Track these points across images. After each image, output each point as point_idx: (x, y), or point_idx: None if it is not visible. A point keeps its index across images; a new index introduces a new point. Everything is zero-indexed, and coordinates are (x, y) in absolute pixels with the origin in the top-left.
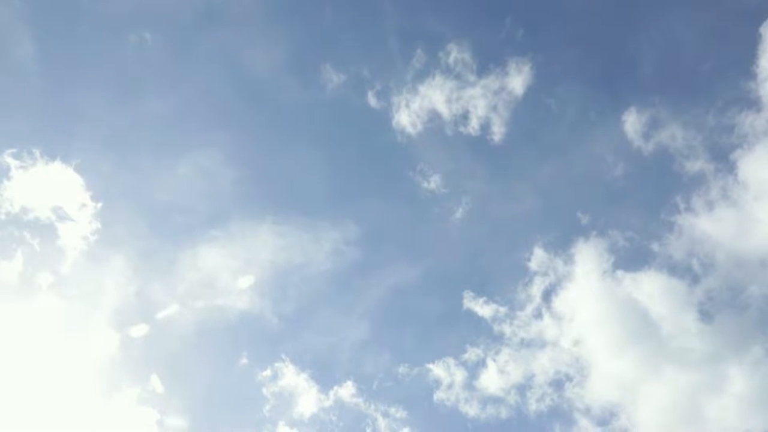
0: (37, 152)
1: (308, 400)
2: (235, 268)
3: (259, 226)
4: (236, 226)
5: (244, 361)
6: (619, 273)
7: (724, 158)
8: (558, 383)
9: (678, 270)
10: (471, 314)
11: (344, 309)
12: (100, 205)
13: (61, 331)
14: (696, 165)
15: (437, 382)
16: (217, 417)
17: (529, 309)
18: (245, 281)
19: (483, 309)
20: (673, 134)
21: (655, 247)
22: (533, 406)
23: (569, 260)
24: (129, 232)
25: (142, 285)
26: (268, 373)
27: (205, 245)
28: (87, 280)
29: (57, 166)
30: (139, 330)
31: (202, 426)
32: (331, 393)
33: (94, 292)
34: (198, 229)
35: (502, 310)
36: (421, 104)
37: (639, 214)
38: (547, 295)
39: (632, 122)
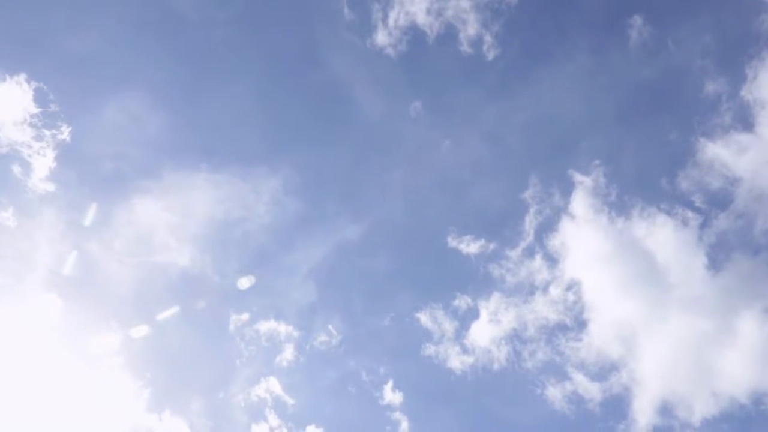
0: None
1: (285, 351)
2: (172, 222)
3: (194, 176)
4: (170, 177)
5: (207, 316)
6: (623, 208)
7: (738, 71)
8: (552, 334)
9: (686, 205)
10: (457, 254)
11: (311, 256)
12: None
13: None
14: (709, 85)
15: (426, 333)
16: (193, 374)
17: (521, 247)
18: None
19: (469, 247)
20: (682, 45)
21: (662, 179)
22: (526, 360)
23: (567, 192)
24: (59, 184)
25: (77, 240)
26: (232, 327)
27: (139, 198)
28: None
29: None
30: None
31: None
32: (308, 346)
33: (28, 250)
34: (131, 181)
35: (491, 246)
36: (397, 21)
37: (646, 142)
38: (542, 232)
39: (638, 29)
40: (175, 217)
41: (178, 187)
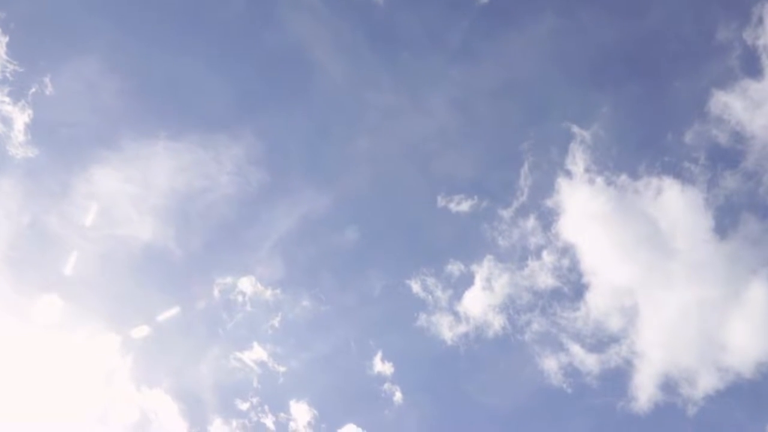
0: None
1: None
2: (133, 194)
3: (154, 144)
4: (128, 145)
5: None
6: (624, 165)
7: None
8: (548, 303)
9: (692, 162)
10: (447, 214)
11: (285, 225)
12: None
13: None
14: (721, 32)
15: (418, 301)
16: (175, 346)
17: (514, 207)
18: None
19: (460, 206)
20: None
21: (668, 134)
22: (520, 330)
23: (564, 147)
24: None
25: (38, 213)
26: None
27: (98, 168)
28: None
29: None
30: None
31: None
32: (293, 316)
33: None
34: (88, 150)
35: (484, 203)
36: None
37: (652, 92)
38: (536, 191)
39: None
40: (135, 188)
41: (137, 156)
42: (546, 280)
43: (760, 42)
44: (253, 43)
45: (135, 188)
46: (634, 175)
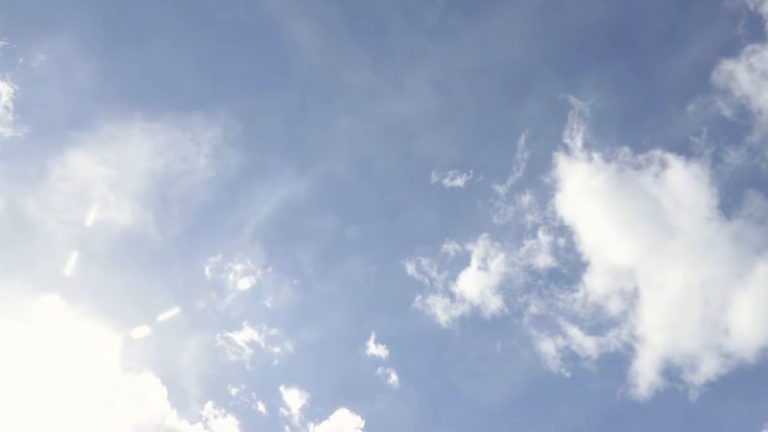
0: None
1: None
2: (110, 177)
3: (130, 126)
4: (104, 127)
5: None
6: (624, 140)
7: None
8: (545, 284)
9: (696, 136)
10: (441, 191)
11: (270, 208)
12: None
13: None
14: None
15: (413, 282)
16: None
17: (510, 184)
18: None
19: (454, 181)
20: None
21: (670, 107)
22: (517, 311)
23: (562, 121)
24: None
25: (13, 196)
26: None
27: (73, 150)
28: None
29: None
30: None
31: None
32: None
33: None
34: (62, 132)
35: (480, 178)
36: None
37: (652, 63)
38: (533, 166)
39: None
40: (112, 171)
41: (113, 138)
42: (543, 260)
43: (765, 8)
44: (229, 21)
45: (112, 171)
46: (635, 150)
